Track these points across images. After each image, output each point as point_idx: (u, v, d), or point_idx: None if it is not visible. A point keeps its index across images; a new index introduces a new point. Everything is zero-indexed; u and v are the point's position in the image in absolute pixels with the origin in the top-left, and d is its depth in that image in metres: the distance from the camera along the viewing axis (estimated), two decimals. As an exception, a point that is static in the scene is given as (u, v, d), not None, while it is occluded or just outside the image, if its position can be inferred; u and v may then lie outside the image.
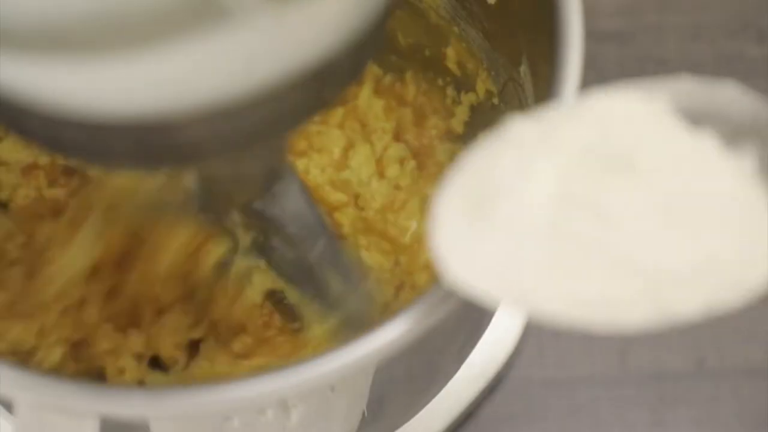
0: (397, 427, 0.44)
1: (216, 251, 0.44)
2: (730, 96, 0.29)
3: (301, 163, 0.47)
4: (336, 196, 0.47)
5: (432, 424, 0.45)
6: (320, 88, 0.29)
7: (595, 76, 0.52)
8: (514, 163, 0.28)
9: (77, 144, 0.28)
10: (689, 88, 0.29)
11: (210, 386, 0.30)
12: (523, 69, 0.39)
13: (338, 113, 0.48)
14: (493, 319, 0.47)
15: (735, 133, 0.28)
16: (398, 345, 0.31)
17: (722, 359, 0.50)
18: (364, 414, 0.38)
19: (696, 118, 0.28)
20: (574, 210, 0.27)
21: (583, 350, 0.50)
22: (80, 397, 0.30)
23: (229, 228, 0.44)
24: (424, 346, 0.33)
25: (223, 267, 0.45)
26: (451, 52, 0.46)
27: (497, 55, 0.43)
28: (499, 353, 0.47)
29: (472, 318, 0.42)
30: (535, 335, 0.49)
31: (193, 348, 0.44)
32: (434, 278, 0.31)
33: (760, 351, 0.50)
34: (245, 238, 0.44)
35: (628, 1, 0.54)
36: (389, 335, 0.30)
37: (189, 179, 0.42)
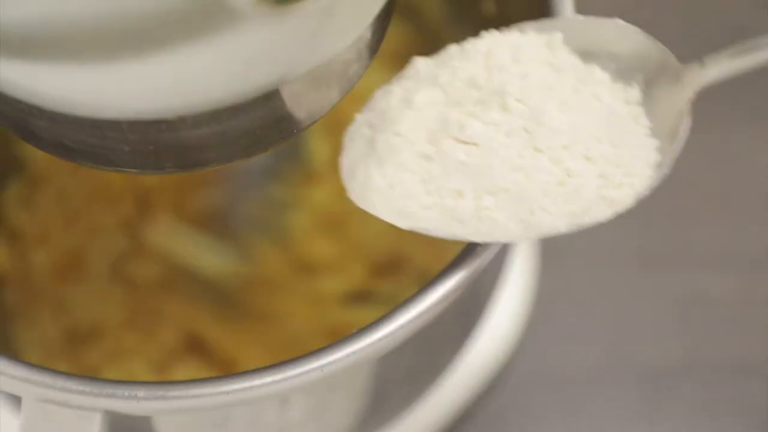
0: (397, 420, 0.44)
1: None
2: (616, 30, 0.32)
3: None
4: None
5: (430, 423, 0.46)
6: (322, 90, 0.29)
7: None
8: (400, 95, 0.31)
9: (82, 146, 0.29)
10: (579, 24, 0.32)
11: (212, 381, 0.30)
12: None
13: None
14: (492, 319, 0.47)
15: (623, 66, 0.32)
16: (396, 341, 0.31)
17: (720, 357, 0.50)
18: (364, 408, 0.38)
19: (587, 53, 0.31)
20: (446, 138, 0.30)
21: (582, 348, 0.50)
22: (84, 392, 0.30)
23: None
24: (422, 340, 0.34)
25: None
26: None
27: None
28: (498, 352, 0.48)
29: (468, 313, 0.43)
30: (534, 334, 0.49)
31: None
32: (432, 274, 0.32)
33: (760, 349, 0.50)
34: None
35: (622, 3, 0.54)
36: (388, 329, 0.31)
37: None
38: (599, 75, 0.31)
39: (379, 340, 0.31)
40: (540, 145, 0.30)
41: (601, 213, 0.31)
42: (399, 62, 0.49)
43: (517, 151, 0.30)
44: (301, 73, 0.28)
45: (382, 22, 0.30)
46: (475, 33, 0.45)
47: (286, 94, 0.28)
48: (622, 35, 0.32)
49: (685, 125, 0.32)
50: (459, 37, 0.46)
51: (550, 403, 0.49)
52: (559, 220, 0.30)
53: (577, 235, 0.51)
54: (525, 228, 0.30)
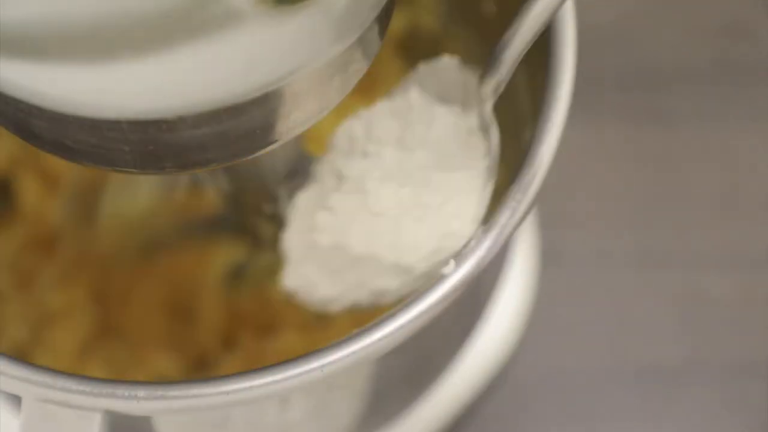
0: (397, 420, 0.44)
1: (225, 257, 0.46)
2: (445, 66, 0.34)
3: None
4: None
5: (430, 422, 0.46)
6: (322, 91, 0.29)
7: (592, 81, 0.53)
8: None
9: (82, 146, 0.29)
10: (425, 71, 0.34)
11: (212, 381, 0.30)
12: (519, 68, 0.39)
13: None
14: (492, 319, 0.47)
15: (465, 97, 0.34)
16: (396, 341, 0.31)
17: (720, 357, 0.50)
18: (364, 408, 0.38)
19: (442, 96, 0.34)
20: (317, 229, 0.34)
21: (582, 348, 0.50)
22: (84, 392, 0.30)
23: (250, 227, 0.44)
24: (422, 340, 0.34)
25: (238, 272, 0.46)
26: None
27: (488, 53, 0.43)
28: (498, 352, 0.48)
29: (468, 313, 0.43)
30: (534, 334, 0.49)
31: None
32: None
33: (760, 349, 0.50)
34: (267, 232, 0.45)
35: (622, 4, 0.54)
36: (388, 330, 0.31)
37: (212, 192, 0.43)
38: (442, 112, 0.33)
39: (379, 340, 0.31)
40: (377, 210, 0.33)
41: (451, 248, 0.33)
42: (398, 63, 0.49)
43: (362, 224, 0.33)
44: (300, 73, 0.28)
45: (383, 22, 0.30)
46: (475, 34, 0.45)
47: (286, 95, 0.28)
48: (450, 69, 0.34)
49: (494, 136, 0.33)
50: (459, 39, 0.46)
51: (550, 403, 0.49)
52: (425, 266, 0.33)
53: (576, 235, 0.52)
54: (409, 280, 0.33)
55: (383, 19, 0.30)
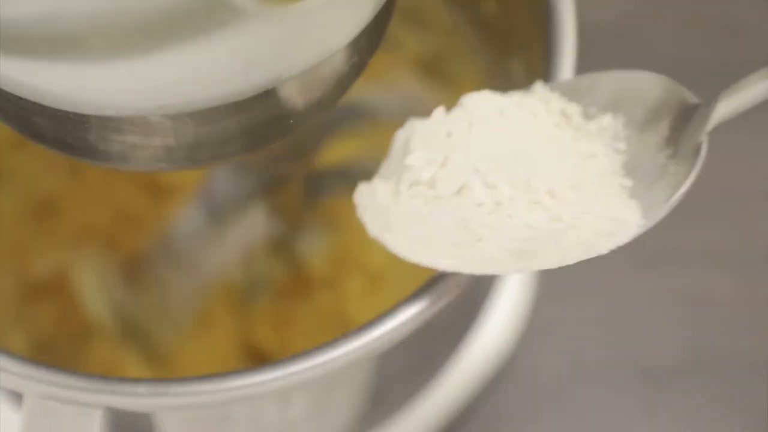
0: (397, 419, 0.44)
1: None
2: (644, 80, 0.33)
3: None
4: None
5: (430, 421, 0.46)
6: (321, 88, 0.29)
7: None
8: (400, 146, 0.32)
9: (83, 144, 0.29)
10: (611, 78, 0.33)
11: (213, 378, 0.31)
12: (518, 67, 0.39)
13: None
14: (492, 318, 0.47)
15: (653, 112, 0.33)
16: (396, 339, 0.31)
17: (721, 357, 0.50)
18: (364, 406, 0.38)
19: (615, 104, 0.32)
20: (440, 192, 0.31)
21: (582, 348, 0.50)
22: (85, 389, 0.30)
23: None
24: (422, 339, 0.34)
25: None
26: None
27: (489, 51, 0.43)
28: (498, 351, 0.48)
29: (468, 312, 0.43)
30: (534, 334, 0.50)
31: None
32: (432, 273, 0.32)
33: (760, 349, 0.50)
34: None
35: (622, 4, 0.54)
36: (388, 327, 0.31)
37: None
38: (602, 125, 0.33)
39: (379, 337, 0.31)
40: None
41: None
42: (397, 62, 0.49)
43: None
44: (300, 71, 0.28)
45: (382, 20, 0.30)
46: (476, 31, 0.45)
47: (286, 93, 0.28)
48: (651, 83, 0.33)
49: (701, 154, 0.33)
50: (459, 37, 0.46)
51: (550, 403, 0.49)
52: (548, 258, 0.33)
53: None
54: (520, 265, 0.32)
55: (383, 16, 0.30)
